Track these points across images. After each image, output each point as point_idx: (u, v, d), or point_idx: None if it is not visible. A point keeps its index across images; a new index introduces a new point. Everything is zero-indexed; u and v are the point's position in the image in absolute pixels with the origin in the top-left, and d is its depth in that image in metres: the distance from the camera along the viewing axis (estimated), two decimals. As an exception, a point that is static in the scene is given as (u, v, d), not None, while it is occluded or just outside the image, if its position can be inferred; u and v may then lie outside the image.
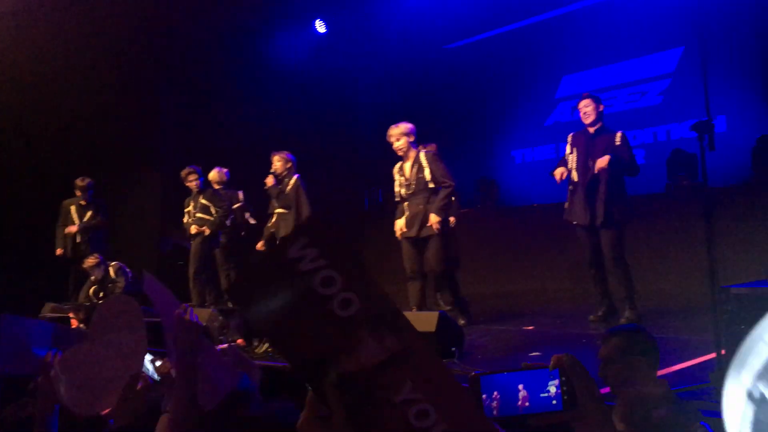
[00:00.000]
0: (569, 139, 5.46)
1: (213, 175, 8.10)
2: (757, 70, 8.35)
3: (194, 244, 7.67)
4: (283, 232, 6.84)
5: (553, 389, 1.49)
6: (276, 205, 6.95)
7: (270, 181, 6.91)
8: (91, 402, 2.21)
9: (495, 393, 1.50)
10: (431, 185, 5.47)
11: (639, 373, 2.38)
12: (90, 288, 8.08)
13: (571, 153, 5.34)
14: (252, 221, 8.30)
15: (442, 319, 3.97)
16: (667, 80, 9.62)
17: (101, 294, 8.00)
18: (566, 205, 5.38)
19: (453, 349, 3.92)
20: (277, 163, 6.92)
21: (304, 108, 10.78)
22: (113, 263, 8.19)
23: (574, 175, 5.24)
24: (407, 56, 11.13)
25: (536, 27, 10.57)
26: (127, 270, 8.23)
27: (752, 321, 2.37)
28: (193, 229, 7.58)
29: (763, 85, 8.28)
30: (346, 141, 11.41)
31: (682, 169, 7.91)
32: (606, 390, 2.62)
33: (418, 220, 5.44)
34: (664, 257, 7.33)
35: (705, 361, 3.39)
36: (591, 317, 5.33)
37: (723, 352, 2.81)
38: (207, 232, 7.55)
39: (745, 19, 8.23)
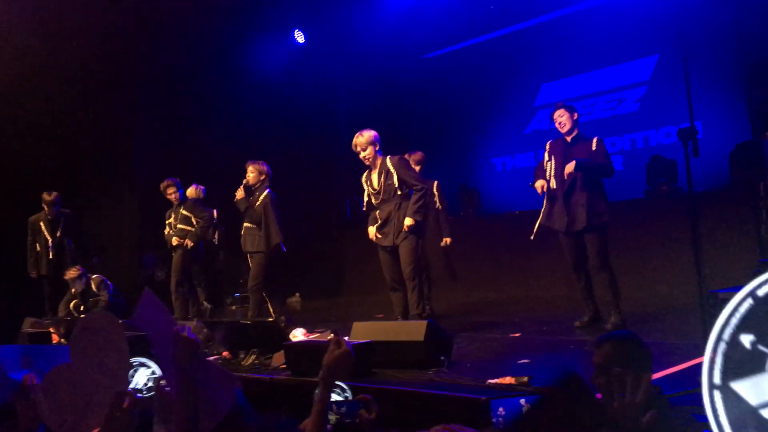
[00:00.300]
0: (547, 146, 5.52)
1: (190, 191, 8.06)
2: (731, 78, 8.50)
3: (176, 256, 7.60)
4: (249, 247, 6.68)
5: None
6: (244, 218, 6.78)
7: (240, 194, 6.74)
8: (77, 423, 2.17)
9: None
10: (399, 192, 5.38)
11: (633, 380, 2.39)
12: (71, 302, 7.96)
13: (549, 160, 5.39)
14: (215, 241, 8.37)
15: (431, 327, 3.96)
16: (643, 88, 9.76)
17: (82, 308, 7.90)
18: (543, 210, 5.42)
19: (442, 357, 3.91)
20: (251, 174, 6.75)
21: (284, 118, 10.77)
22: (94, 276, 8.08)
23: (553, 183, 5.31)
24: (386, 66, 11.18)
25: (515, 36, 10.69)
26: (109, 283, 8.13)
27: (740, 325, 2.38)
28: (174, 241, 7.53)
29: (738, 92, 8.43)
30: (327, 150, 11.41)
31: (661, 175, 8.01)
32: (599, 396, 2.64)
33: (393, 228, 5.34)
34: (645, 262, 7.41)
35: (693, 366, 3.43)
36: (576, 323, 5.37)
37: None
38: (189, 244, 7.49)
39: (721, 27, 8.38)
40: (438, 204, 6.79)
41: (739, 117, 8.32)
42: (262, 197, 6.67)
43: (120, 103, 9.80)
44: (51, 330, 6.73)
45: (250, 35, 10.39)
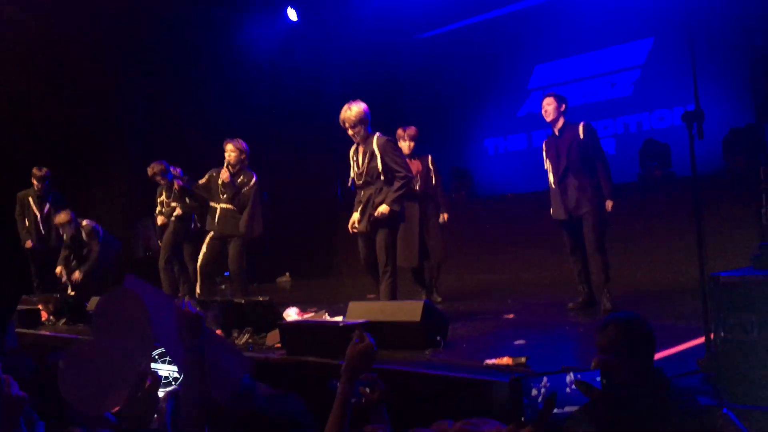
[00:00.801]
0: (543, 147, 5.63)
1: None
2: (726, 61, 8.48)
3: (166, 234, 7.53)
4: (230, 230, 6.51)
5: None
6: (221, 199, 6.56)
7: (226, 175, 6.48)
8: (99, 401, 2.13)
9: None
10: (382, 177, 5.03)
11: (636, 362, 2.38)
12: (63, 255, 7.88)
13: (547, 159, 5.52)
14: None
15: (427, 308, 3.94)
16: (636, 71, 9.74)
17: (74, 261, 7.82)
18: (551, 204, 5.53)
19: (438, 338, 3.90)
20: (232, 153, 6.50)
21: (275, 97, 10.68)
22: (85, 223, 7.93)
23: (551, 178, 5.45)
24: (379, 45, 11.08)
25: (509, 17, 10.61)
26: (99, 229, 7.99)
27: (740, 308, 2.39)
28: (160, 220, 7.46)
29: (731, 75, 8.42)
30: (318, 130, 11.31)
31: (654, 159, 8.02)
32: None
33: (368, 214, 5.03)
34: (638, 246, 7.43)
35: (690, 348, 3.43)
36: (570, 305, 5.38)
37: (712, 336, 2.84)
38: (179, 212, 7.36)
39: (717, 10, 8.34)
40: (433, 179, 6.52)
41: (734, 101, 8.32)
42: (252, 183, 6.52)
43: (109, 82, 9.66)
44: (40, 307, 6.69)
45: (241, 12, 10.25)
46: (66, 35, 8.79)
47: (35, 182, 8.10)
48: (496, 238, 8.97)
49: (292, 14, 10.94)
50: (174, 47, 9.86)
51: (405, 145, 6.27)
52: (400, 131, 6.35)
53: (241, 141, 6.61)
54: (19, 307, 6.75)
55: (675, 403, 2.24)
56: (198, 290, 6.59)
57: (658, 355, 2.94)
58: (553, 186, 5.42)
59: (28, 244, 8.08)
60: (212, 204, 6.62)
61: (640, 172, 8.15)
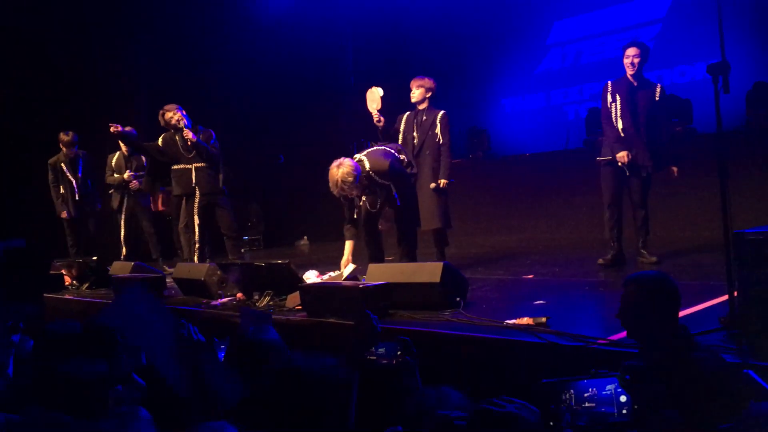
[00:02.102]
0: (609, 86, 5.51)
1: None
2: (748, 14, 8.26)
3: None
4: (210, 189, 6.77)
5: (623, 398, 1.45)
6: (191, 158, 6.80)
7: (191, 136, 6.67)
8: None
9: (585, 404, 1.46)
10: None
11: (657, 319, 2.37)
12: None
13: (614, 101, 5.43)
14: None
15: (447, 269, 3.94)
16: (658, 25, 9.51)
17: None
18: (612, 150, 5.41)
19: (458, 299, 3.90)
20: (174, 116, 6.75)
21: (290, 60, 10.55)
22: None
23: (620, 123, 5.36)
24: (394, 4, 10.89)
25: (526, -29, 10.37)
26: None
27: (765, 265, 2.35)
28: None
29: (755, 30, 8.21)
30: (333, 93, 11.24)
31: (675, 115, 7.86)
32: (623, 334, 2.63)
33: None
34: (660, 204, 7.32)
35: (713, 305, 3.41)
36: (600, 260, 5.39)
37: (735, 294, 2.82)
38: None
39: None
40: (439, 137, 6.03)
41: (759, 54, 8.12)
42: (214, 138, 6.83)
43: (121, 49, 9.61)
44: (63, 272, 6.77)
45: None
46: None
47: (64, 148, 8.01)
48: (514, 199, 8.90)
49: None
50: (186, 11, 9.77)
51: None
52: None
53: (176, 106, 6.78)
54: (43, 272, 6.85)
55: (699, 360, 2.24)
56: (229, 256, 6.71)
57: (681, 313, 2.93)
58: (627, 132, 5.34)
59: (64, 215, 8.05)
60: (181, 166, 6.77)
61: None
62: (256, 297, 4.67)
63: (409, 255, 5.30)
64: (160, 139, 6.94)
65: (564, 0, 10.09)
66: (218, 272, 5.14)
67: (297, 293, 4.30)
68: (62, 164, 8.05)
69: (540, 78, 10.54)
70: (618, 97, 5.39)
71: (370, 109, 5.76)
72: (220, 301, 4.91)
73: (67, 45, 8.94)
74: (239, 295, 4.86)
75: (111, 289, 5.95)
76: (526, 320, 3.38)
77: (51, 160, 8.09)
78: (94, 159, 8.34)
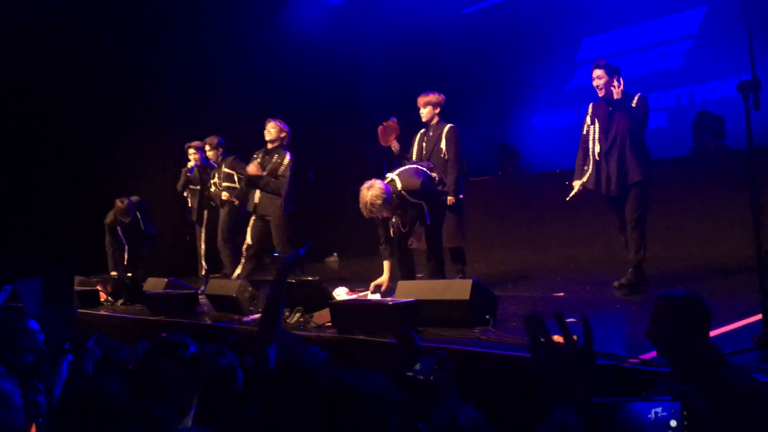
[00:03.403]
0: (589, 109, 5.42)
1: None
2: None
3: (222, 212, 7.55)
4: (270, 212, 6.77)
5: (673, 423, 1.45)
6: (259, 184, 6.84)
7: (255, 170, 6.74)
8: None
9: None
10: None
11: (685, 339, 2.36)
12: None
13: (592, 124, 5.34)
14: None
15: (476, 286, 3.94)
16: (689, 41, 9.45)
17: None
18: (588, 174, 5.35)
19: (487, 316, 3.90)
20: (272, 129, 6.77)
21: (317, 77, 10.69)
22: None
23: (597, 146, 5.27)
24: (424, 22, 10.98)
25: (556, -11, 10.40)
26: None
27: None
28: (225, 196, 7.42)
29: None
30: (362, 109, 11.33)
31: (707, 132, 7.79)
32: (653, 354, 2.62)
33: None
34: (691, 221, 7.26)
35: (747, 325, 3.37)
36: (615, 284, 5.23)
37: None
38: (236, 202, 7.38)
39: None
40: (444, 152, 5.93)
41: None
42: (285, 162, 6.74)
43: (152, 60, 9.81)
44: (98, 288, 6.91)
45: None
46: (109, 14, 8.96)
47: (121, 218, 8.04)
48: (544, 216, 8.86)
49: (335, -7, 10.95)
50: (218, 28, 9.98)
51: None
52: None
53: (281, 121, 6.83)
54: (79, 288, 7.00)
55: (731, 379, 2.22)
56: (239, 271, 6.79)
57: (713, 332, 2.90)
58: (602, 155, 5.25)
59: (113, 274, 8.08)
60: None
61: (693, 146, 7.94)
62: (287, 313, 4.72)
63: (439, 272, 5.32)
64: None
65: (594, 17, 10.07)
66: (249, 289, 5.21)
67: (325, 310, 4.34)
68: (118, 227, 8.15)
69: (570, 95, 10.51)
70: (596, 121, 5.30)
71: (386, 144, 5.85)
72: (251, 317, 4.97)
73: (101, 64, 9.16)
74: (270, 311, 4.91)
75: (145, 306, 6.06)
76: (556, 338, 3.36)
77: (107, 221, 8.14)
78: (147, 206, 8.51)
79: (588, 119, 5.39)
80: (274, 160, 6.74)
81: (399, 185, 5.16)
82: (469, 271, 6.13)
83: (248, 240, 6.82)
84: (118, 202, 7.99)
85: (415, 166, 5.48)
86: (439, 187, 5.52)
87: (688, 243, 7.05)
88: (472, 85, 11.04)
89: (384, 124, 5.97)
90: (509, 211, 9.05)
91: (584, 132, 5.41)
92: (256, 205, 6.77)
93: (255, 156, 6.90)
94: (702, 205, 7.27)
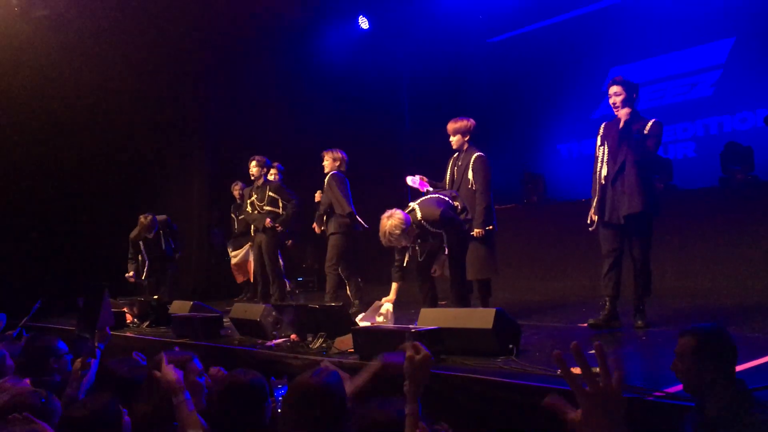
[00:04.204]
0: (600, 130, 5.13)
1: (272, 173, 8.11)
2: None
3: (264, 237, 7.56)
4: (329, 229, 6.95)
5: None
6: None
7: (319, 197, 7.05)
8: None
9: None
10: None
11: (711, 373, 2.33)
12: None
13: (602, 145, 5.02)
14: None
15: (500, 315, 3.93)
16: (718, 71, 9.40)
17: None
18: (596, 200, 4.98)
19: (510, 346, 3.88)
20: (326, 161, 7.01)
21: (348, 104, 10.80)
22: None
23: (605, 169, 4.92)
24: (451, 51, 11.08)
25: (582, 18, 10.43)
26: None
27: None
28: (267, 223, 7.48)
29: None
30: (389, 136, 11.41)
31: (736, 163, 7.71)
32: (680, 387, 2.58)
33: None
34: (720, 253, 7.16)
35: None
36: (590, 321, 4.82)
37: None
38: (279, 228, 7.49)
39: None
40: (471, 182, 5.91)
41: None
42: (326, 179, 6.89)
43: (188, 91, 10.03)
44: (125, 310, 6.99)
45: (315, 21, 10.46)
46: (152, 51, 9.18)
47: (144, 233, 8.25)
48: (570, 245, 8.79)
49: (364, 23, 11.09)
50: (251, 56, 10.17)
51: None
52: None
53: (338, 150, 7.04)
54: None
55: (757, 415, 2.19)
56: (326, 295, 6.92)
57: (739, 367, 2.87)
58: (607, 180, 4.89)
59: (130, 277, 8.32)
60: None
61: (722, 176, 7.86)
62: (310, 338, 4.74)
63: (461, 301, 5.31)
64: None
65: (621, 46, 10.07)
66: (273, 313, 5.24)
67: (348, 335, 4.35)
68: (141, 243, 8.35)
69: (596, 123, 10.32)
70: (606, 143, 4.97)
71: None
72: (274, 342, 5.00)
73: (143, 96, 9.38)
74: (293, 336, 4.93)
75: (170, 328, 6.11)
76: (574, 371, 3.34)
77: (132, 236, 8.34)
78: (173, 225, 8.70)
79: (599, 140, 5.09)
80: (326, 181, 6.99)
81: (419, 215, 5.20)
82: (493, 300, 6.10)
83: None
84: (141, 218, 8.20)
85: (437, 195, 5.49)
86: (463, 216, 5.51)
87: (716, 275, 6.95)
88: (498, 114, 11.07)
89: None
90: (534, 239, 9.01)
91: (596, 154, 5.11)
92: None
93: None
94: (731, 237, 7.18)
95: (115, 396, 2.75)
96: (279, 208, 7.56)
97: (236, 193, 9.10)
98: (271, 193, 7.58)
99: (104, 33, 8.75)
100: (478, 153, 5.93)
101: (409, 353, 2.11)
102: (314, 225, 7.23)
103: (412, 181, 5.92)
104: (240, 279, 9.07)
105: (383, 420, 2.06)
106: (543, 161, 10.94)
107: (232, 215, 9.25)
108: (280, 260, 7.74)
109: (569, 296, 7.24)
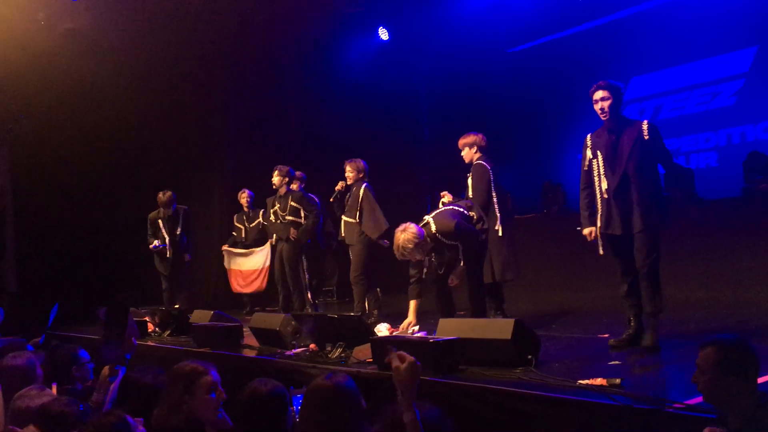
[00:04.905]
0: (587, 141, 4.76)
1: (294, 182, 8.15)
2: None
3: (286, 248, 7.59)
4: (348, 239, 7.03)
5: None
6: (341, 212, 7.19)
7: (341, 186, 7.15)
8: None
9: None
10: None
11: (732, 385, 2.31)
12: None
13: (594, 158, 4.66)
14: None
15: (518, 326, 3.91)
16: (740, 80, 9.32)
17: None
18: (600, 217, 4.68)
19: (529, 356, 3.86)
20: (350, 173, 7.08)
21: (368, 115, 10.85)
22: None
23: (604, 183, 4.58)
24: (470, 61, 11.08)
25: (603, 28, 10.39)
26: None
27: None
28: (293, 234, 7.51)
29: None
30: (408, 147, 11.43)
31: (759, 172, 7.64)
32: (699, 399, 2.56)
33: None
34: (742, 264, 7.07)
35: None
36: (611, 341, 4.61)
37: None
38: (303, 241, 7.53)
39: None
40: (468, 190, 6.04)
41: None
42: (361, 191, 6.98)
43: (212, 102, 10.14)
44: (146, 319, 7.05)
45: (335, 33, 10.53)
46: (173, 66, 9.31)
47: (161, 207, 8.40)
48: (589, 255, 8.69)
49: (383, 34, 11.14)
50: (272, 67, 10.27)
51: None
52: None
53: (359, 160, 7.14)
54: (128, 318, 7.15)
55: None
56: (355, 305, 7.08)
57: (761, 379, 2.83)
58: (611, 193, 4.56)
59: (157, 246, 8.40)
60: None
61: (745, 186, 7.78)
62: (329, 348, 4.75)
63: (479, 311, 5.31)
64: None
65: (642, 56, 10.02)
66: (293, 323, 5.26)
67: (366, 345, 4.35)
68: (159, 221, 8.46)
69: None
70: (599, 153, 4.61)
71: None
72: (293, 351, 5.01)
73: (165, 106, 9.50)
74: (312, 345, 4.95)
75: (191, 337, 6.16)
76: (599, 381, 3.32)
77: (151, 215, 8.50)
78: (193, 216, 8.78)
79: (588, 152, 4.70)
80: (351, 192, 7.12)
81: (433, 228, 5.22)
82: (513, 310, 6.09)
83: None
84: (160, 194, 8.34)
85: (451, 207, 5.51)
86: (479, 226, 5.51)
87: (738, 286, 6.86)
88: (518, 123, 11.05)
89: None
90: (553, 249, 8.95)
91: (585, 168, 4.74)
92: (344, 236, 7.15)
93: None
94: (754, 247, 7.09)
95: (135, 407, 2.79)
96: (301, 218, 7.57)
97: (243, 201, 9.11)
98: (293, 203, 7.59)
99: (132, 45, 8.88)
100: (478, 162, 5.95)
101: (394, 364, 2.19)
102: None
103: None
104: (241, 289, 9.07)
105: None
106: (563, 171, 10.88)
107: (238, 225, 9.22)
108: (305, 272, 7.73)
109: (589, 307, 7.18)
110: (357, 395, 2.49)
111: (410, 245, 5.01)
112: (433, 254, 5.37)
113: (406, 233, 5.04)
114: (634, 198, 4.45)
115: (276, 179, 7.67)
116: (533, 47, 11.27)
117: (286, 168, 7.72)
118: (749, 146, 8.60)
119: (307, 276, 7.76)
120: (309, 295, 7.76)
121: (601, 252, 4.77)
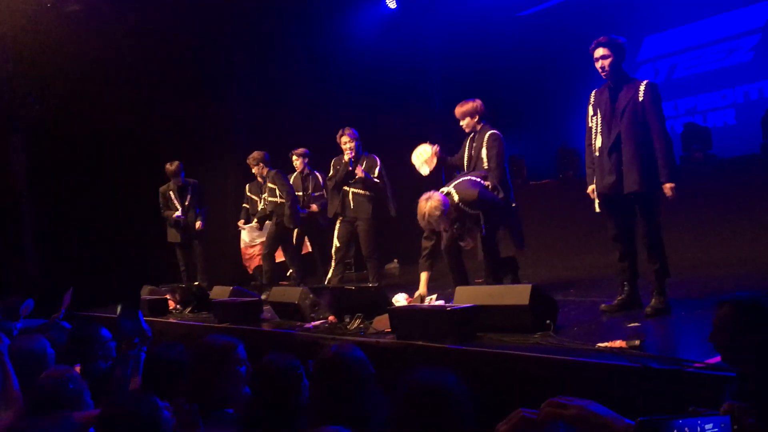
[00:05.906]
0: (591, 98, 4.71)
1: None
2: None
3: (271, 225, 7.83)
4: (355, 213, 7.11)
5: None
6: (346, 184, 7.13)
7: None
8: None
9: None
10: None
11: (753, 342, 2.29)
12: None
13: (594, 115, 4.62)
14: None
15: (535, 291, 3.91)
16: (757, 35, 9.15)
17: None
18: (595, 177, 4.63)
19: (547, 321, 3.86)
20: (350, 144, 7.16)
21: (377, 85, 10.75)
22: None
23: (599, 140, 4.52)
24: (480, 26, 10.94)
25: (614, -13, 10.21)
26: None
27: None
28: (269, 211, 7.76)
29: None
30: (420, 116, 11.34)
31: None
32: (717, 358, 2.55)
33: None
34: (758, 221, 7.00)
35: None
36: (603, 307, 4.54)
37: None
38: (290, 226, 7.65)
39: None
40: (484, 161, 5.79)
41: None
42: (377, 167, 7.15)
43: (216, 71, 10.07)
44: (167, 297, 7.13)
45: (342, 4, 10.43)
46: (173, 34, 9.25)
47: (170, 177, 8.44)
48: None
49: (391, 3, 11.02)
50: (277, 36, 10.20)
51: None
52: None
53: (352, 129, 7.18)
54: (149, 297, 7.24)
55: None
56: (330, 275, 7.07)
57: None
58: (604, 150, 4.49)
59: (177, 217, 8.43)
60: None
61: (763, 143, 7.67)
62: (347, 320, 4.78)
63: (496, 279, 5.31)
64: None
65: (655, 14, 9.84)
66: (311, 296, 5.30)
67: (385, 316, 4.38)
68: (171, 192, 8.51)
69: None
70: (599, 111, 4.56)
71: (422, 172, 5.78)
72: (312, 324, 5.06)
73: (163, 81, 9.48)
74: (331, 317, 4.99)
75: (211, 313, 6.23)
76: (618, 343, 3.31)
77: (162, 188, 8.58)
78: (203, 188, 8.80)
79: (590, 109, 4.66)
80: (365, 164, 7.12)
81: (456, 198, 5.17)
82: (531, 276, 6.10)
83: (336, 243, 7.06)
84: (167, 165, 8.37)
85: (468, 177, 5.45)
86: (495, 193, 5.49)
87: (756, 244, 6.80)
88: (530, 88, 10.94)
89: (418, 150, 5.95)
90: (570, 214, 8.88)
91: (589, 125, 4.70)
92: (345, 209, 7.09)
93: (336, 165, 7.25)
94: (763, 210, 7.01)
95: (159, 386, 2.82)
96: (277, 197, 7.71)
97: (256, 171, 8.60)
98: (270, 184, 7.80)
99: (141, 25, 8.88)
100: (492, 131, 5.79)
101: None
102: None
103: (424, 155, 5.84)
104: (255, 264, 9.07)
105: (430, 389, 2.09)
106: (578, 135, 10.75)
107: (251, 195, 8.93)
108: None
109: (607, 270, 7.13)
110: (362, 363, 2.58)
111: (437, 212, 4.95)
112: (456, 224, 5.33)
113: (431, 201, 4.98)
114: (625, 158, 4.39)
115: (255, 169, 8.01)
116: (543, 10, 11.12)
117: (260, 154, 8.01)
118: (767, 102, 8.47)
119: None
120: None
121: (597, 209, 4.74)
